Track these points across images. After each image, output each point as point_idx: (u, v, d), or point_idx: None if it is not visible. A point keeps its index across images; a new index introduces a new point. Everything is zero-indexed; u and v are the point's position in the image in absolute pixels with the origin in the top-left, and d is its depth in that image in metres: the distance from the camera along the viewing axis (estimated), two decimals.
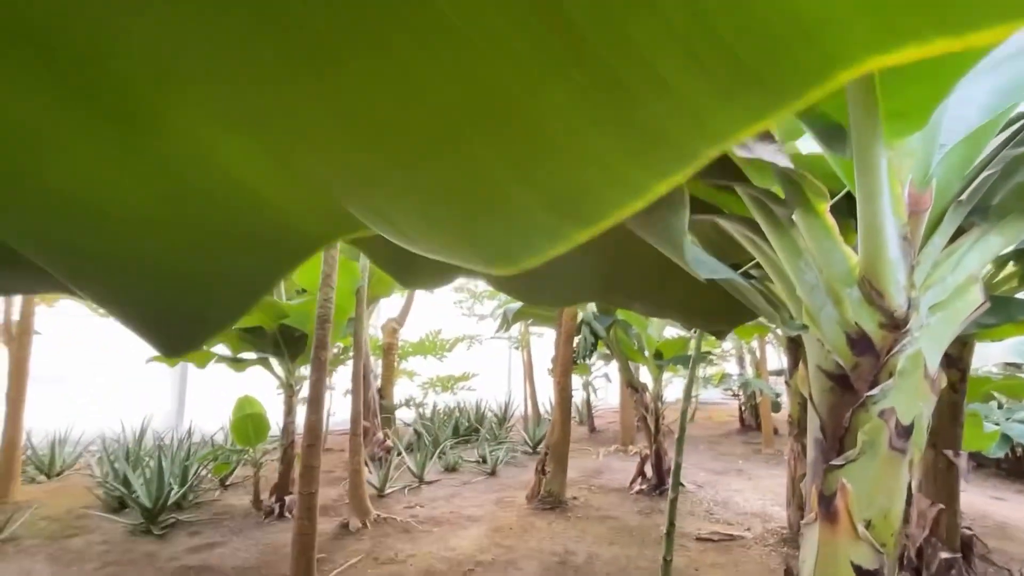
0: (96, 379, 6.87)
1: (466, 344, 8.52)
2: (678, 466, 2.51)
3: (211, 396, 6.84)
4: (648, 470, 5.25)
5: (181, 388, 7.62)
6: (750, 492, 5.32)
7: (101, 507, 4.44)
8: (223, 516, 4.42)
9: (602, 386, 10.08)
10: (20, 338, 4.79)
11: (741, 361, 9.57)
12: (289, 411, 4.60)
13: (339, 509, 4.52)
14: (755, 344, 8.81)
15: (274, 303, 4.13)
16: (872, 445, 1.00)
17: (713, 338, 8.03)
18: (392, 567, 3.44)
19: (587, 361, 4.83)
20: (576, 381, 9.23)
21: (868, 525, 0.99)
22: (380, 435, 6.25)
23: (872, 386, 1.03)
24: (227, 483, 5.30)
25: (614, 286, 1.21)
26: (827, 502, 1.02)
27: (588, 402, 9.01)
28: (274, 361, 4.51)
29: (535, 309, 5.19)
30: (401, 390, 8.54)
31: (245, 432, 4.53)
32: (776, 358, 10.41)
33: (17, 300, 4.88)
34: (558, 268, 1.22)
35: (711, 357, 9.52)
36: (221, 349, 4.53)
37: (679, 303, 1.24)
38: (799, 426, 3.85)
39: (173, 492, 4.31)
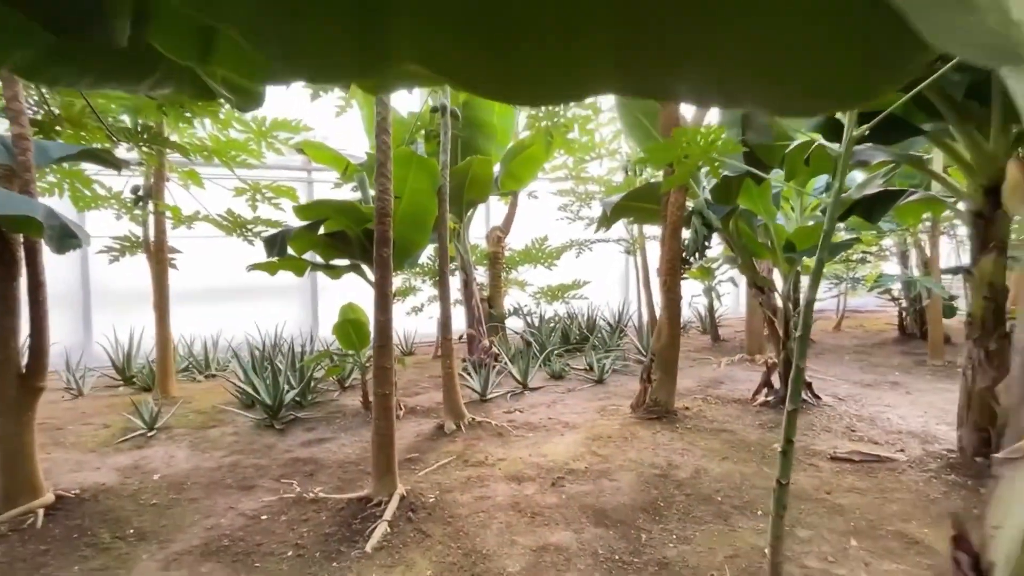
0: (239, 292, 7.59)
1: (575, 251, 8.07)
2: (799, 370, 1.95)
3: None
4: (775, 380, 4.60)
5: (313, 298, 8.20)
6: (906, 408, 4.47)
7: (237, 404, 4.90)
8: (336, 415, 4.67)
9: (729, 291, 9.16)
10: (158, 253, 5.27)
11: (904, 259, 8.03)
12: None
13: (440, 411, 4.54)
14: (923, 239, 7.27)
15: (354, 206, 4.00)
16: None
17: (865, 233, 6.70)
18: (481, 470, 3.33)
19: (699, 258, 4.18)
20: (698, 287, 8.46)
21: None
22: (485, 342, 6.20)
23: None
24: (346, 385, 5.62)
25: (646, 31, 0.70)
26: None
27: (711, 309, 8.24)
28: (366, 267, 4.47)
29: (638, 203, 4.56)
30: (514, 301, 8.45)
31: (348, 336, 4.64)
32: (951, 255, 8.65)
33: (151, 221, 5.32)
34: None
35: (866, 255, 8.12)
36: (312, 256, 4.58)
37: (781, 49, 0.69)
38: (983, 327, 2.97)
39: (290, 392, 4.61)
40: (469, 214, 6.32)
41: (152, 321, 5.28)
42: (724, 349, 7.44)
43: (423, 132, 5.59)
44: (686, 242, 4.27)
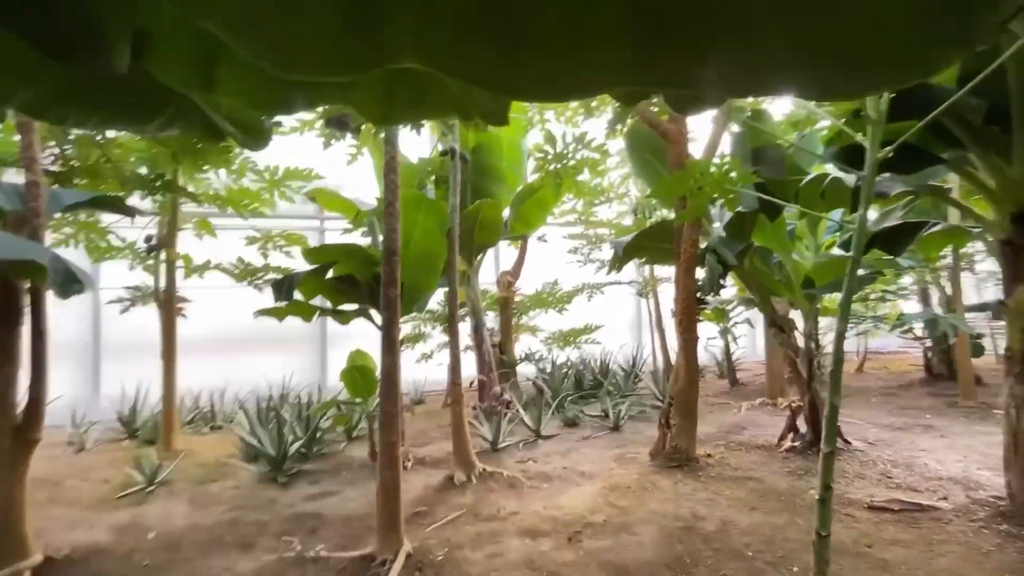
0: (248, 342, 7.53)
1: (586, 295, 7.98)
2: (834, 408, 1.81)
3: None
4: (801, 424, 4.37)
5: (322, 347, 8.11)
6: (943, 452, 4.21)
7: (241, 457, 4.75)
8: (342, 467, 4.49)
9: (745, 333, 8.95)
10: (167, 303, 5.25)
11: (925, 297, 7.82)
12: None
13: (450, 462, 4.35)
14: (945, 278, 7.09)
15: (362, 250, 3.98)
16: None
17: (888, 271, 6.56)
18: (493, 524, 3.13)
19: (715, 296, 4.06)
20: (713, 329, 8.27)
21: None
22: (497, 389, 6.03)
23: None
24: (353, 435, 5.45)
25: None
26: None
27: (727, 351, 8.02)
28: (374, 312, 4.40)
29: (650, 242, 4.50)
30: (525, 346, 8.31)
31: (355, 383, 4.52)
32: (973, 291, 8.44)
33: (163, 270, 5.34)
34: None
35: (885, 294, 7.94)
36: (322, 302, 4.53)
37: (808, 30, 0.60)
38: (1022, 362, 2.80)
39: (295, 444, 4.46)
40: (479, 258, 6.29)
41: (160, 372, 5.21)
42: (743, 393, 7.18)
43: (433, 178, 5.64)
44: (700, 281, 4.17)
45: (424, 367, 7.54)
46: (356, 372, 4.48)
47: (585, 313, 8.23)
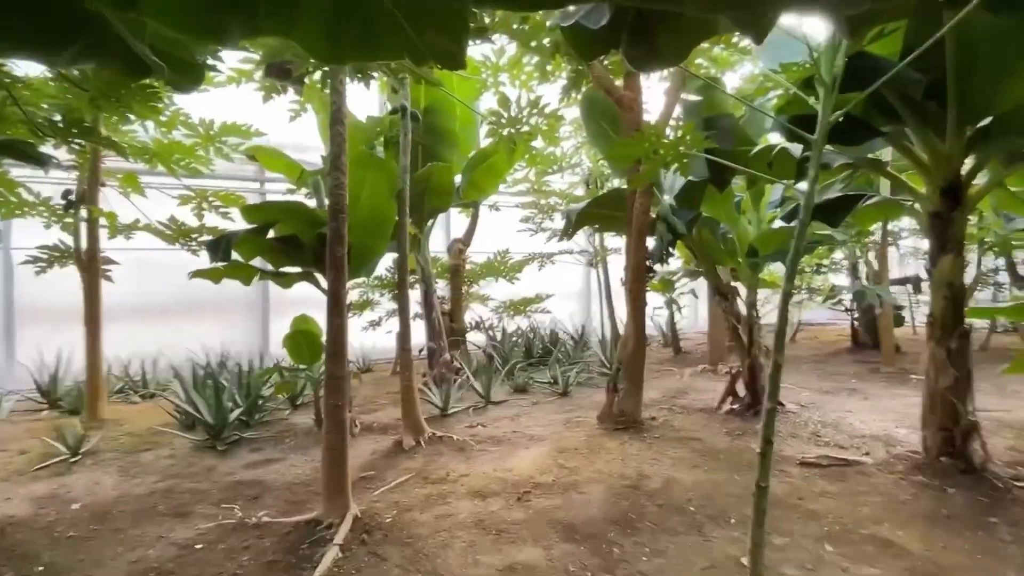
0: (183, 308, 7.14)
1: (537, 264, 7.99)
2: (778, 366, 1.87)
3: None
4: (740, 388, 4.57)
5: (264, 313, 7.79)
6: (867, 413, 4.51)
7: (177, 425, 4.52)
8: (286, 434, 4.36)
9: (688, 304, 9.25)
10: (90, 264, 4.87)
11: (854, 271, 8.29)
12: None
13: (399, 428, 4.30)
14: (872, 253, 7.52)
15: (307, 210, 3.79)
16: None
17: (821, 248, 6.86)
18: (442, 487, 3.12)
19: (664, 265, 4.13)
20: (659, 300, 8.49)
21: None
22: (447, 356, 5.99)
23: None
24: (297, 403, 5.30)
25: None
26: None
27: (672, 321, 8.27)
28: (320, 276, 4.23)
29: (602, 210, 4.51)
30: (475, 315, 8.27)
31: (299, 349, 4.37)
32: (897, 266, 9.01)
33: (83, 229, 4.93)
34: None
35: (819, 267, 8.35)
36: (263, 264, 4.31)
37: None
38: (943, 327, 2.99)
39: (235, 411, 4.28)
40: (430, 224, 6.15)
41: (83, 339, 4.86)
42: (686, 361, 7.45)
43: (382, 139, 5.43)
44: (650, 250, 4.22)
45: (372, 335, 7.39)
46: (300, 338, 4.32)
47: (536, 282, 8.25)
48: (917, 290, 8.37)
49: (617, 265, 8.56)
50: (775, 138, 3.84)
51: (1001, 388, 5.18)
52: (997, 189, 3.39)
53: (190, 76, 1.92)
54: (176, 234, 4.95)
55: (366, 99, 7.28)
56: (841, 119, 1.88)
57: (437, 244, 8.36)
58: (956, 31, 2.33)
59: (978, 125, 2.84)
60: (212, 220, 5.02)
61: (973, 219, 5.66)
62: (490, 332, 7.79)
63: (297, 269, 4.23)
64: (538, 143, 5.67)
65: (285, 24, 1.24)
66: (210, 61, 2.37)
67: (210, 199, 4.97)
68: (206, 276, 3.91)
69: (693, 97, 3.96)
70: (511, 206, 7.99)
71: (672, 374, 6.53)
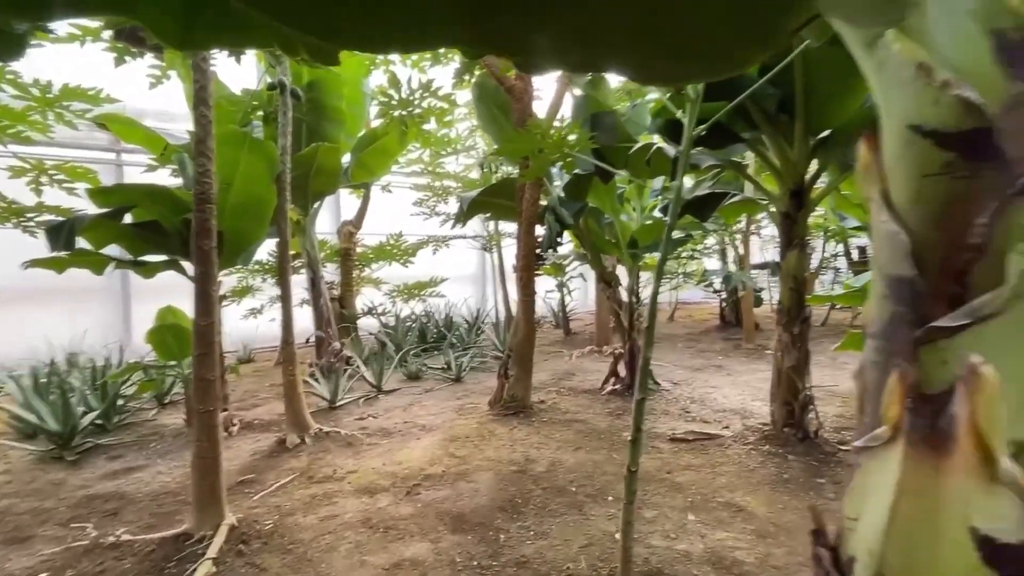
0: (21, 295, 6.20)
1: (431, 248, 7.90)
2: (646, 362, 2.02)
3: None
4: (621, 369, 4.88)
5: (124, 301, 6.99)
6: (729, 388, 5.02)
7: (14, 435, 3.96)
8: (151, 438, 3.99)
9: (579, 287, 9.66)
10: None
11: (723, 256, 9.12)
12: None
13: (282, 425, 4.10)
14: (739, 240, 8.32)
15: (169, 191, 3.43)
16: None
17: (696, 232, 7.47)
18: (328, 485, 3.04)
19: (553, 254, 4.26)
20: (551, 283, 8.79)
21: (1020, 453, 0.45)
22: (336, 345, 5.78)
23: None
24: (165, 401, 4.86)
25: None
26: (930, 408, 0.47)
27: (563, 303, 8.60)
28: (187, 264, 3.87)
29: (494, 199, 4.55)
30: (368, 300, 8.03)
31: (166, 345, 3.99)
32: (759, 252, 10.01)
33: None
34: None
35: (693, 252, 9.06)
36: (121, 252, 3.85)
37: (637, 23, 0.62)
38: (788, 313, 3.40)
39: (87, 415, 3.83)
40: (316, 206, 5.83)
41: None
42: (575, 342, 7.80)
43: (261, 114, 5.02)
44: (540, 239, 4.34)
45: (254, 323, 6.93)
46: (166, 332, 3.95)
47: (430, 266, 8.17)
48: (774, 274, 9.40)
49: (511, 249, 8.72)
50: (654, 136, 4.08)
51: (834, 361, 5.99)
52: (834, 192, 3.88)
53: (8, 46, 1.65)
54: (7, 212, 4.26)
55: (243, 68, 6.69)
56: (708, 127, 2.05)
57: (326, 226, 7.97)
58: (802, 55, 2.60)
59: (819, 136, 3.22)
60: (54, 196, 4.38)
61: (821, 209, 6.45)
62: (383, 318, 7.62)
63: (162, 257, 3.84)
64: (431, 125, 5.58)
65: (124, 2, 1.10)
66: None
67: (50, 172, 4.32)
68: (45, 266, 3.43)
69: (580, 92, 4.08)
70: (405, 187, 7.80)
71: (562, 355, 6.81)
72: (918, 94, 0.50)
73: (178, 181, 4.20)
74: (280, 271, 3.71)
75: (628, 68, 0.65)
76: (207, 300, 2.40)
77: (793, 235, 3.29)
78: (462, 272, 9.78)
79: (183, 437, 3.93)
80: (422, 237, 7.71)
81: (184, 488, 3.05)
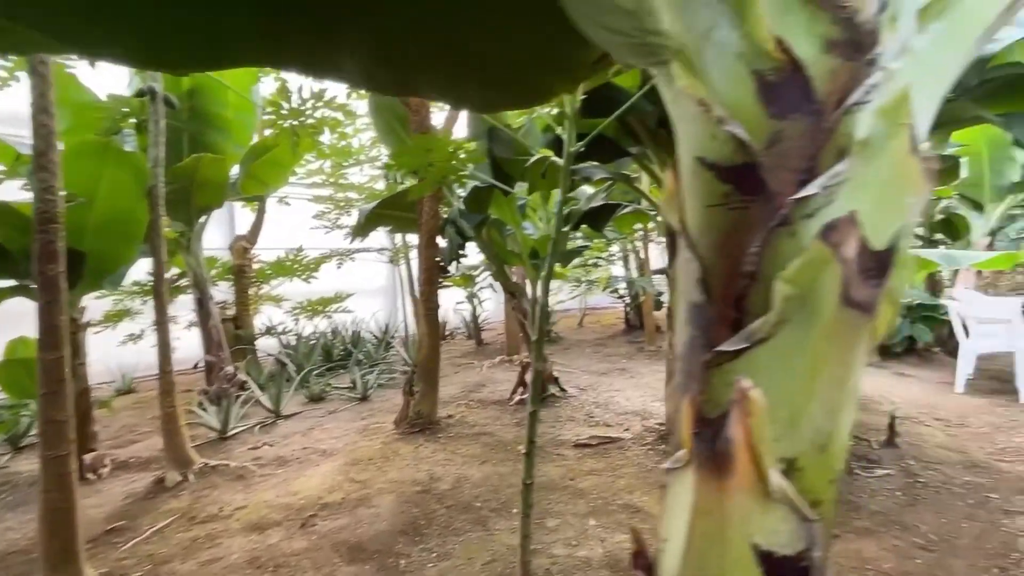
0: None
1: (336, 262, 7.59)
2: (537, 374, 2.04)
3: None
4: (529, 379, 4.92)
5: None
6: (631, 390, 5.22)
7: None
8: (3, 487, 3.50)
9: (490, 297, 9.70)
10: None
11: (626, 262, 9.53)
12: (76, 350, 3.61)
13: (163, 461, 3.74)
14: (639, 245, 8.73)
15: (15, 210, 3.04)
16: (806, 303, 0.47)
17: (598, 241, 7.75)
18: (212, 525, 2.80)
19: (458, 265, 4.24)
20: (461, 294, 8.74)
21: (790, 469, 0.48)
22: (230, 369, 5.38)
23: (805, 182, 0.49)
24: (20, 444, 4.28)
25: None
26: (711, 431, 0.49)
27: (474, 314, 8.59)
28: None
29: (393, 211, 4.45)
30: (268, 318, 7.57)
31: (17, 381, 3.52)
32: (659, 258, 10.56)
33: None
34: None
35: (598, 260, 9.39)
36: None
37: (442, 49, 0.61)
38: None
39: None
40: (202, 221, 5.42)
41: None
42: (487, 352, 7.80)
43: (134, 122, 4.60)
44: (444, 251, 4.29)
45: (134, 349, 6.30)
46: (18, 367, 3.49)
47: (337, 280, 7.85)
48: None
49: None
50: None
51: None
52: None
53: None
54: None
55: (117, 72, 6.09)
56: (595, 140, 2.11)
57: (218, 242, 7.44)
58: None
59: None
60: None
61: None
62: (283, 337, 7.22)
63: (10, 282, 3.39)
64: (329, 137, 5.37)
65: None
66: None
67: None
68: None
69: None
70: (306, 199, 7.45)
71: (473, 367, 6.78)
72: (701, 128, 0.53)
73: (30, 195, 3.74)
74: (156, 293, 3.39)
75: (439, 93, 0.64)
76: (53, 332, 2.13)
77: (676, 245, 3.48)
78: (372, 286, 9.49)
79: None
80: (325, 251, 7.39)
81: (36, 545, 2.68)
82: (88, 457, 3.54)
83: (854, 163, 0.46)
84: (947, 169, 2.23)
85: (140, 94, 3.80)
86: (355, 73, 0.61)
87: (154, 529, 2.78)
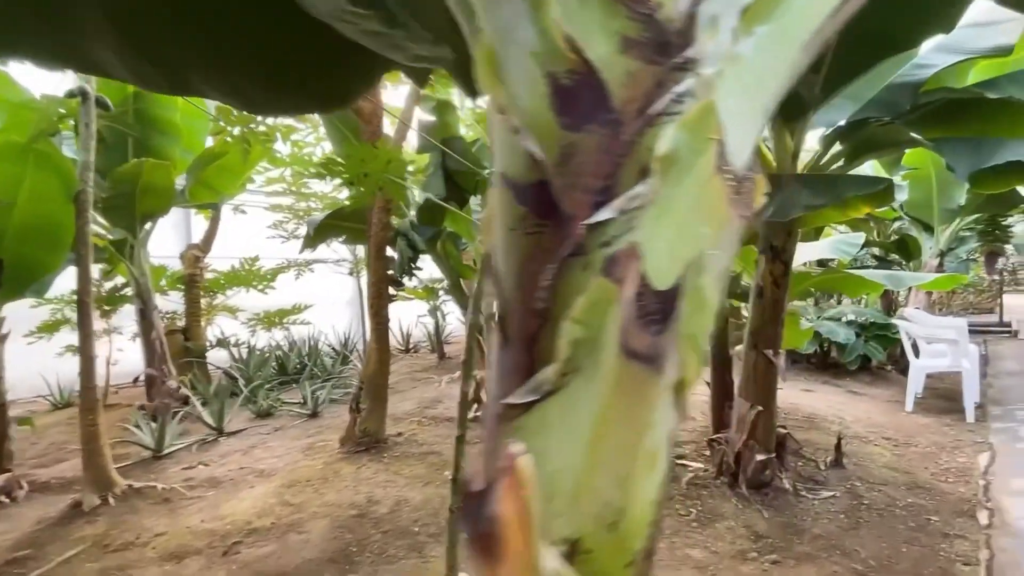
0: None
1: (294, 273, 7.39)
2: (464, 396, 1.95)
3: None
4: (484, 395, 4.82)
5: None
6: None
7: None
8: None
9: (453, 310, 9.58)
10: None
11: None
12: None
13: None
14: None
15: None
16: (592, 349, 0.39)
17: None
18: (127, 554, 2.61)
19: (409, 278, 4.13)
20: (424, 307, 8.61)
21: (575, 552, 0.40)
22: (172, 383, 5.15)
23: (602, 204, 0.41)
24: None
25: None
26: (478, 505, 0.41)
27: (437, 328, 8.45)
28: None
29: (343, 222, 4.33)
30: (220, 330, 7.30)
31: None
32: None
33: None
34: None
35: None
36: None
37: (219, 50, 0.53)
38: None
39: None
40: (147, 228, 5.20)
41: None
42: (449, 367, 7.65)
43: (73, 124, 4.39)
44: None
45: (72, 361, 5.99)
46: None
47: (298, 292, 7.63)
48: None
49: None
50: None
51: None
52: None
53: None
54: None
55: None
56: None
57: (172, 250, 7.17)
58: None
59: None
60: None
61: None
62: (236, 349, 6.97)
63: None
64: (282, 145, 5.23)
65: None
66: None
67: None
68: None
69: (429, 117, 4.03)
70: (263, 207, 7.24)
71: (432, 382, 6.64)
72: (502, 139, 0.45)
73: None
74: (80, 303, 3.20)
75: (223, 94, 0.55)
76: None
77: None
78: (335, 297, 9.28)
79: None
80: (282, 261, 7.18)
81: None
82: (0, 479, 3.29)
83: (656, 184, 0.39)
84: (880, 193, 2.24)
85: (71, 95, 3.62)
86: (118, 67, 0.52)
87: (62, 559, 2.58)
